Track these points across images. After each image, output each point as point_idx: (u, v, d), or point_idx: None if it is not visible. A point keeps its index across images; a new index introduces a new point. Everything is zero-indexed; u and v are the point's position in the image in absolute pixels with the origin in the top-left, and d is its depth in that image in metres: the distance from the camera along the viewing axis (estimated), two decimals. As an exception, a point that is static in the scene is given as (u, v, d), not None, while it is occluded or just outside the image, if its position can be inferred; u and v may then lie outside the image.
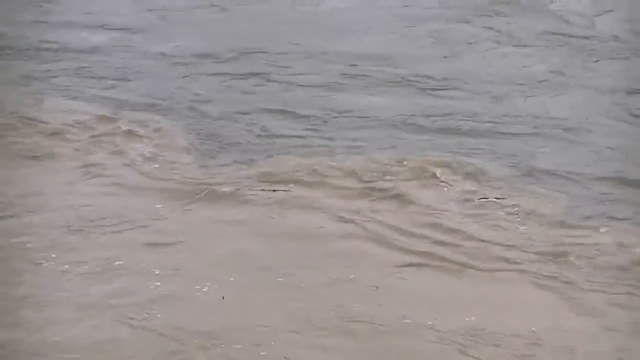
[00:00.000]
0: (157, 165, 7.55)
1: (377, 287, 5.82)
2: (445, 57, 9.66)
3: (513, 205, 6.75)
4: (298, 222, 6.68)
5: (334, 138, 7.95)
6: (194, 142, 7.95)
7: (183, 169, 7.50)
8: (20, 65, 9.76)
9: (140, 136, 8.07)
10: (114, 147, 7.88)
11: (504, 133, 7.93)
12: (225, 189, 7.13)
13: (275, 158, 7.62)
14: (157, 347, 5.35)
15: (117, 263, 6.17)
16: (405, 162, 7.42)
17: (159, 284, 5.92)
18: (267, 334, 5.42)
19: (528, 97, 8.66)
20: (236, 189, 7.11)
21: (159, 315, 5.62)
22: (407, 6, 11.33)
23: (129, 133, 8.12)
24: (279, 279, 5.98)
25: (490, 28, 10.42)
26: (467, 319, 5.48)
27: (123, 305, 5.69)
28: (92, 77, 9.39)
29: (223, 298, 5.74)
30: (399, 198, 6.91)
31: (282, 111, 8.49)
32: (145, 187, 7.20)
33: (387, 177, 7.21)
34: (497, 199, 6.82)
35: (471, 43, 9.96)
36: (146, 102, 8.75)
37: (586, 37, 10.06)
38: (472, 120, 8.19)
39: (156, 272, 6.03)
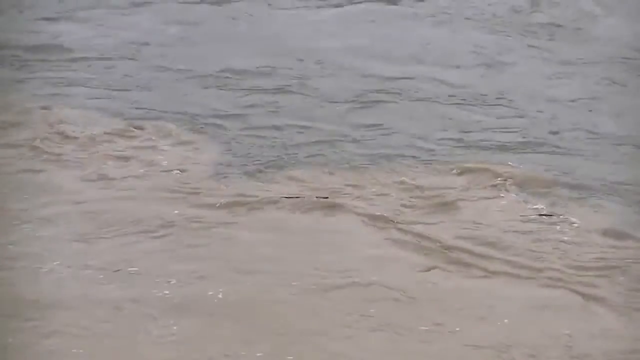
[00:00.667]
0: (176, 174, 7.58)
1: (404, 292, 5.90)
2: (487, 71, 9.72)
3: (560, 216, 6.78)
4: (322, 229, 6.76)
5: (368, 150, 7.98)
6: (214, 153, 7.99)
7: (202, 179, 7.51)
8: (32, 71, 9.86)
9: (160, 145, 8.13)
10: (132, 155, 7.94)
11: (553, 146, 7.98)
12: (246, 198, 7.15)
13: (300, 170, 7.63)
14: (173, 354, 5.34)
15: (130, 269, 6.21)
16: (453, 172, 7.50)
17: (167, 291, 5.95)
18: (291, 340, 5.42)
19: (574, 113, 8.66)
20: (258, 199, 7.13)
21: (172, 323, 5.62)
22: (444, 21, 11.34)
23: (148, 142, 8.18)
24: (294, 283, 6.01)
25: (533, 46, 10.45)
26: (499, 325, 5.54)
27: (136, 312, 5.73)
28: (108, 88, 9.45)
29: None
30: (438, 207, 6.97)
31: (307, 124, 8.50)
32: (161, 196, 7.23)
33: (427, 188, 7.25)
34: (544, 214, 6.86)
35: (514, 63, 9.96)
36: (165, 114, 8.79)
37: (631, 58, 10.07)
38: (516, 133, 8.24)
39: (172, 282, 6.04)
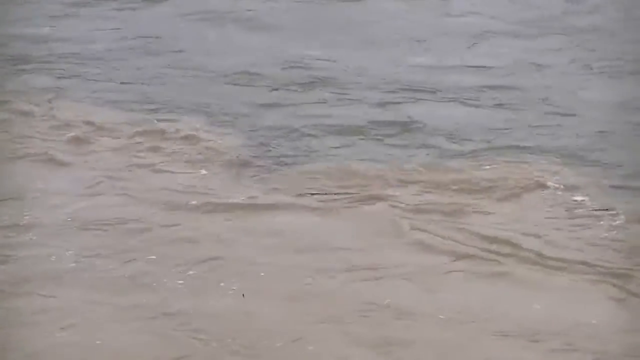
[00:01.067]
0: (193, 170, 7.58)
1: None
2: (525, 72, 9.66)
3: (604, 210, 6.73)
4: (347, 224, 6.72)
5: (398, 146, 7.94)
6: (233, 149, 7.94)
7: (221, 175, 7.50)
8: (40, 66, 9.92)
9: (176, 142, 8.11)
10: (146, 151, 7.95)
11: (597, 144, 7.93)
12: (267, 195, 7.13)
13: (323, 166, 7.59)
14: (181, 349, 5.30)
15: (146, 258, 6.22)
16: (487, 167, 7.49)
17: (181, 281, 5.95)
18: (310, 330, 5.41)
19: (618, 113, 8.60)
20: (280, 195, 7.13)
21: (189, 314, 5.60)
22: (476, 21, 11.29)
23: (163, 138, 8.17)
24: (314, 276, 5.99)
25: (571, 48, 10.38)
26: (527, 315, 5.55)
27: (147, 307, 5.68)
28: (119, 82, 9.50)
29: (243, 296, 5.77)
30: (473, 201, 6.94)
31: (331, 121, 8.44)
32: (178, 192, 7.20)
33: (462, 183, 7.22)
34: (589, 209, 6.81)
35: (551, 64, 9.87)
36: (180, 110, 8.77)
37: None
38: (558, 132, 8.20)
39: (190, 273, 6.04)
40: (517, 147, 7.81)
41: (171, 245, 6.35)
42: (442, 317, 5.48)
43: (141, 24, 11.16)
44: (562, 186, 7.06)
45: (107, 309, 5.61)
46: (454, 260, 6.12)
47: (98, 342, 5.30)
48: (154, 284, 5.86)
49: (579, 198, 6.89)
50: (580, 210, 6.74)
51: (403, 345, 5.24)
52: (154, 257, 6.18)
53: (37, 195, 7.09)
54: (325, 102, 8.85)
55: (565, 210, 6.74)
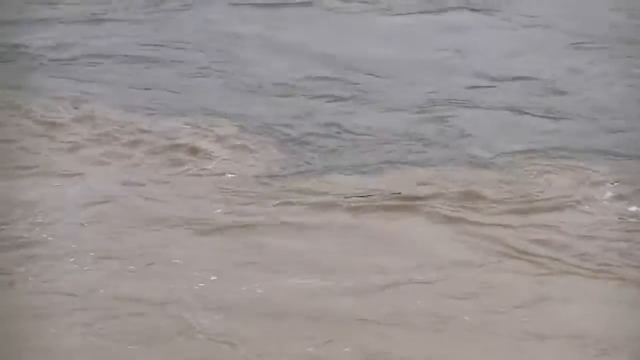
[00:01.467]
0: (221, 177, 7.54)
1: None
2: (575, 81, 9.59)
3: None
4: (385, 229, 6.73)
5: (441, 152, 7.92)
6: (266, 157, 7.92)
7: (250, 182, 7.45)
8: (64, 72, 9.90)
9: (204, 148, 8.07)
10: (172, 157, 7.93)
11: None
12: (296, 202, 7.09)
13: (361, 175, 7.56)
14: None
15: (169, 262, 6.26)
16: (534, 174, 7.44)
17: (203, 285, 5.97)
18: (339, 335, 5.41)
19: None
20: (310, 201, 7.09)
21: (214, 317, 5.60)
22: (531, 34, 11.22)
23: (190, 146, 8.12)
24: (347, 283, 5.97)
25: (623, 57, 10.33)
26: (569, 318, 5.59)
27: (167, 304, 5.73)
28: (144, 89, 9.46)
29: None
30: (518, 208, 6.91)
31: (369, 131, 8.39)
32: (206, 197, 7.21)
33: (506, 189, 7.19)
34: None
35: (604, 72, 9.81)
36: (217, 119, 8.69)
37: None
38: (611, 140, 8.12)
39: (212, 278, 6.04)
40: (567, 155, 7.73)
41: (194, 250, 6.33)
42: (481, 321, 5.48)
43: (171, 30, 11.16)
44: (614, 195, 7.00)
45: (127, 309, 5.60)
46: (496, 266, 6.11)
47: (116, 344, 5.28)
48: (174, 287, 5.83)
49: (632, 208, 6.81)
50: (633, 220, 6.65)
51: (441, 349, 5.26)
52: (178, 260, 6.16)
53: (57, 199, 7.07)
54: (362, 111, 8.80)
55: (618, 220, 6.67)
